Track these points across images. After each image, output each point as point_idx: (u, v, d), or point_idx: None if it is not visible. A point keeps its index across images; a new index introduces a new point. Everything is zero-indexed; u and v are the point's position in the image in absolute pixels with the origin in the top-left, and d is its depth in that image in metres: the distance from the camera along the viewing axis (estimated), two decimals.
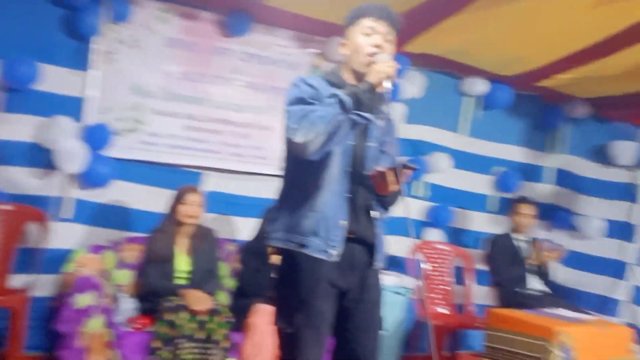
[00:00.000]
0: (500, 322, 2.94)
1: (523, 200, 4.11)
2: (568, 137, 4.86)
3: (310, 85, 1.77)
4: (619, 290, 4.57)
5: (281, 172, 1.90)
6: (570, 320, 2.84)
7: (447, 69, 4.27)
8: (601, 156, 4.75)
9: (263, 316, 2.86)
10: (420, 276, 3.90)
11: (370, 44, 1.79)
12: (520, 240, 4.02)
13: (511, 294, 3.74)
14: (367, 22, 1.81)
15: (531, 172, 4.79)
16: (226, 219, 3.74)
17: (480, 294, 4.20)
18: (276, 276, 1.88)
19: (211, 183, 3.67)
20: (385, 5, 1.84)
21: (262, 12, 3.62)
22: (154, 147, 3.53)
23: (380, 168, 1.76)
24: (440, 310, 3.95)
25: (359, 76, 1.80)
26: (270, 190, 3.77)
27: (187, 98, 3.64)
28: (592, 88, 4.35)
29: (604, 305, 4.52)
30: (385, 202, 1.91)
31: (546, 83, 4.29)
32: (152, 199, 3.45)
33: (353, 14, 1.86)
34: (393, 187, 1.75)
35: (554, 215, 4.78)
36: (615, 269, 4.61)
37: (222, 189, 3.73)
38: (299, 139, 1.62)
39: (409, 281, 3.63)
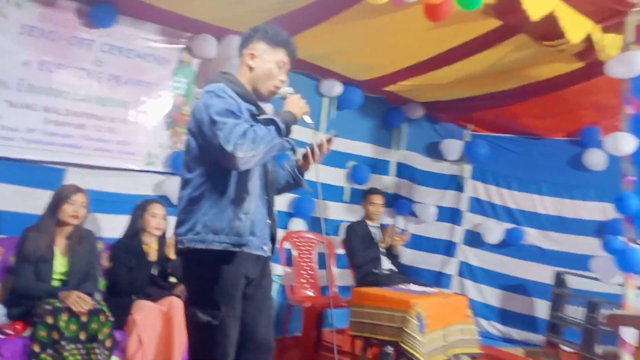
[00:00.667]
0: (363, 299, 3.34)
1: (374, 191, 4.64)
2: (407, 135, 5.56)
3: (232, 98, 1.92)
4: (450, 266, 5.40)
5: (189, 175, 1.97)
6: (420, 294, 3.36)
7: (308, 71, 4.59)
8: (433, 152, 5.54)
9: (144, 312, 2.89)
10: (289, 263, 4.19)
11: (280, 79, 2.05)
12: (372, 227, 4.53)
13: (367, 274, 4.21)
14: (283, 56, 2.04)
15: (378, 166, 5.38)
16: (92, 216, 3.60)
17: (341, 276, 4.65)
18: (189, 275, 1.99)
19: (75, 180, 3.49)
20: (290, 37, 2.09)
21: (129, 5, 3.55)
22: (10, 142, 3.26)
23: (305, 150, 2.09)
24: (308, 293, 4.29)
25: (257, 93, 2.04)
26: (139, 186, 3.77)
27: (46, 90, 3.41)
28: (427, 94, 5.06)
29: (438, 279, 5.29)
30: (282, 191, 2.19)
31: (391, 88, 4.88)
32: (10, 198, 3.20)
33: (274, 38, 2.04)
34: (318, 158, 2.15)
35: (396, 203, 5.45)
36: (446, 248, 5.43)
37: (87, 185, 3.58)
38: (238, 153, 1.77)
39: (279, 269, 3.90)
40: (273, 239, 2.08)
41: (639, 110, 3.59)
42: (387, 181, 5.47)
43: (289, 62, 2.07)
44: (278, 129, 1.86)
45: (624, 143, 3.55)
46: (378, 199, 4.54)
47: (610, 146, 3.66)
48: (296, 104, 2.02)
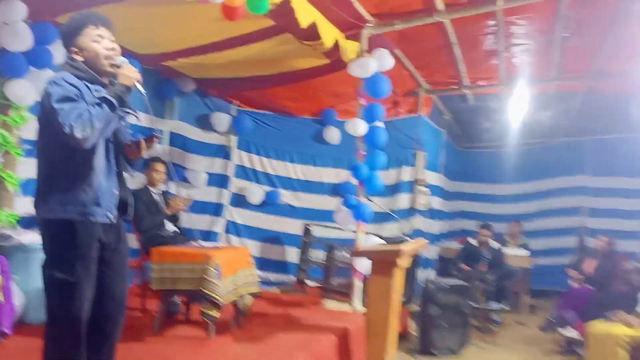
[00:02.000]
0: (164, 257, 3.79)
1: (157, 159, 4.98)
2: (179, 106, 5.99)
3: (72, 84, 2.17)
4: (218, 225, 6.14)
5: (42, 156, 2.22)
6: (213, 248, 3.99)
7: None
8: (204, 123, 6.12)
9: None
10: None
11: (105, 49, 2.30)
12: (155, 193, 4.91)
13: (153, 237, 4.60)
14: (92, 31, 2.28)
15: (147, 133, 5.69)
16: None
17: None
18: (47, 241, 2.25)
19: None
20: (96, 12, 2.35)
21: None
22: None
23: (135, 139, 2.39)
24: None
25: (103, 74, 2.31)
26: None
27: None
28: (200, 71, 5.59)
29: (208, 237, 5.97)
30: (133, 164, 2.52)
31: (169, 63, 5.24)
32: None
33: (73, 26, 2.29)
34: (144, 152, 2.42)
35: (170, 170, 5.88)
36: (215, 209, 6.14)
37: None
38: (77, 134, 2.05)
39: None
40: (124, 207, 2.43)
41: (369, 102, 4.86)
42: (161, 149, 5.83)
43: (101, 31, 2.28)
44: (111, 104, 2.17)
45: (358, 126, 4.78)
46: (161, 167, 4.90)
47: (349, 128, 4.86)
48: (127, 74, 2.25)
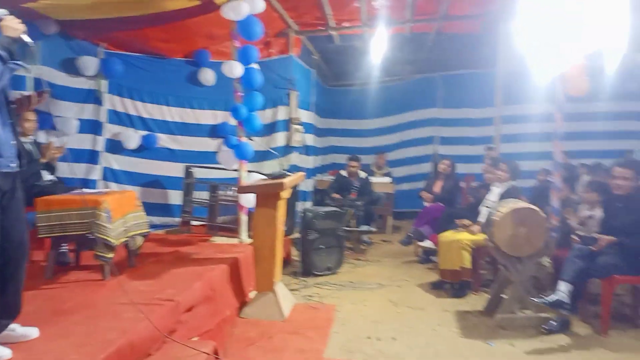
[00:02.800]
0: (50, 205, 3.79)
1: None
2: (41, 50, 5.61)
3: None
4: (94, 172, 6.03)
5: None
6: (99, 194, 4.05)
7: None
8: (69, 68, 5.82)
9: None
10: None
11: None
12: (27, 143, 4.72)
13: (31, 187, 4.49)
14: None
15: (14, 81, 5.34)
16: None
17: None
18: None
19: None
20: None
21: None
22: None
23: (25, 94, 2.45)
24: None
25: None
26: None
27: None
28: (64, 13, 5.26)
29: (85, 185, 5.85)
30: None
31: (30, 5, 4.89)
32: None
33: None
34: (34, 106, 2.50)
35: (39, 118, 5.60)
36: (90, 156, 6.00)
37: None
38: None
39: None
40: (20, 156, 2.50)
41: (243, 44, 5.03)
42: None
43: None
44: (1, 57, 2.24)
45: (234, 68, 4.96)
46: (31, 115, 4.69)
47: (225, 70, 5.02)
48: (11, 26, 2.31)
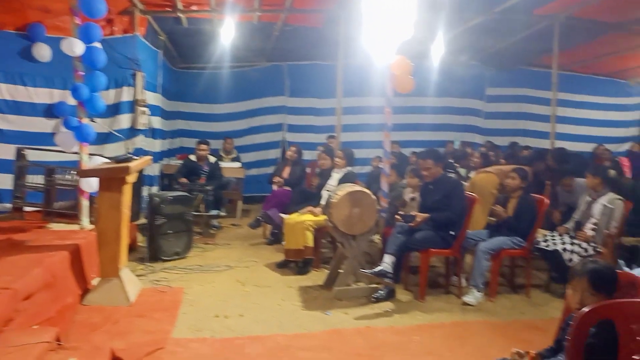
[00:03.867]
0: None
1: None
2: None
3: None
4: None
5: None
6: None
7: None
8: None
9: None
10: None
11: None
12: None
13: None
14: None
15: None
16: None
17: None
18: None
19: None
20: None
21: None
22: None
23: None
24: None
25: None
26: None
27: None
28: None
29: None
30: None
31: None
32: None
33: None
34: None
35: None
36: None
37: None
38: None
39: None
40: None
41: (85, 21, 4.78)
42: None
43: None
44: None
45: (75, 46, 4.70)
46: None
47: (65, 47, 4.73)
48: None
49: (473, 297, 4.55)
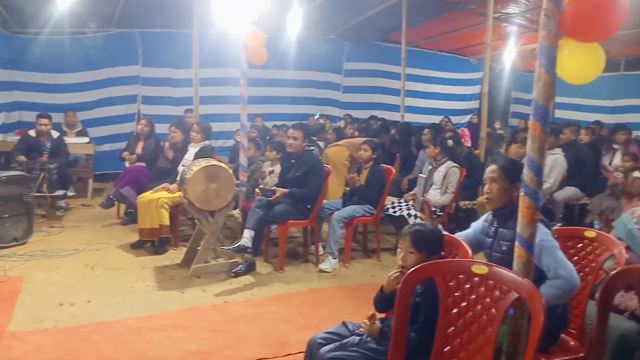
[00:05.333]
0: None
1: None
2: None
3: None
4: None
5: None
6: None
7: None
8: None
9: None
10: None
11: None
12: None
13: None
14: None
15: None
16: None
17: None
18: None
19: None
20: None
21: None
22: None
23: None
24: None
25: None
26: None
27: None
28: None
29: None
30: None
31: None
32: None
33: None
34: None
35: None
36: None
37: None
38: None
39: None
40: None
41: None
42: None
43: None
44: None
45: None
46: None
47: None
48: None
49: (329, 264, 4.76)
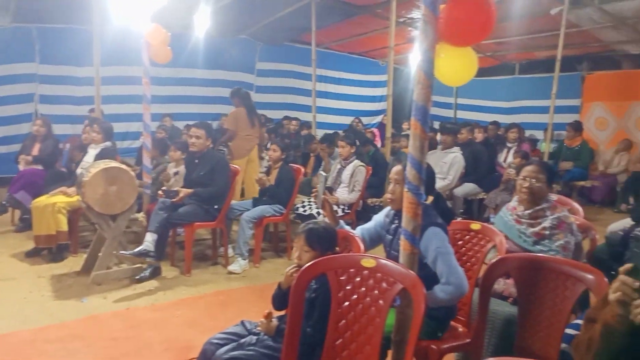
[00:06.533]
0: None
1: None
2: None
3: None
4: None
5: None
6: None
7: None
8: None
9: None
10: None
11: None
12: None
13: None
14: None
15: None
16: None
17: None
18: None
19: None
20: None
21: None
22: None
23: None
24: None
25: None
26: None
27: None
28: None
29: None
30: None
31: None
32: None
33: None
34: None
35: None
36: None
37: None
38: None
39: None
40: None
41: None
42: None
43: None
44: None
45: None
46: None
47: None
48: None
49: (238, 265, 4.73)
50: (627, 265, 1.44)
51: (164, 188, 4.70)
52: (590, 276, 2.07)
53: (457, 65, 1.94)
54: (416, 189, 1.99)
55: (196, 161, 4.71)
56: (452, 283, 2.26)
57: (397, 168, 2.60)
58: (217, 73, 10.04)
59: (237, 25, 9.45)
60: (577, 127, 8.10)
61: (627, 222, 4.02)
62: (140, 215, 5.00)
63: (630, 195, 7.89)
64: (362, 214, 5.83)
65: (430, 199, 2.49)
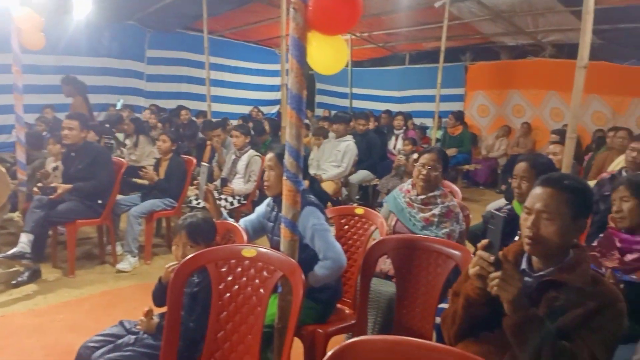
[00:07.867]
0: None
1: None
2: None
3: None
4: None
5: None
6: None
7: None
8: None
9: None
10: None
11: None
12: None
13: None
14: None
15: None
16: None
17: None
18: None
19: None
20: None
21: None
22: None
23: None
24: None
25: None
26: None
27: None
28: None
29: None
30: None
31: None
32: None
33: None
34: None
35: None
36: None
37: None
38: None
39: None
40: None
41: None
42: None
43: None
44: None
45: None
46: None
47: None
48: None
49: (127, 263, 4.52)
50: (484, 241, 1.56)
51: (39, 184, 4.36)
52: (458, 252, 2.21)
53: (328, 54, 1.96)
54: (294, 176, 2.01)
55: (72, 154, 4.39)
56: (329, 257, 2.32)
57: (270, 155, 2.63)
58: (103, 61, 9.45)
59: (123, 10, 8.95)
60: (458, 116, 8.64)
61: (502, 201, 4.38)
62: (16, 215, 4.61)
63: (509, 177, 8.57)
64: (258, 204, 5.80)
65: (307, 183, 2.52)
